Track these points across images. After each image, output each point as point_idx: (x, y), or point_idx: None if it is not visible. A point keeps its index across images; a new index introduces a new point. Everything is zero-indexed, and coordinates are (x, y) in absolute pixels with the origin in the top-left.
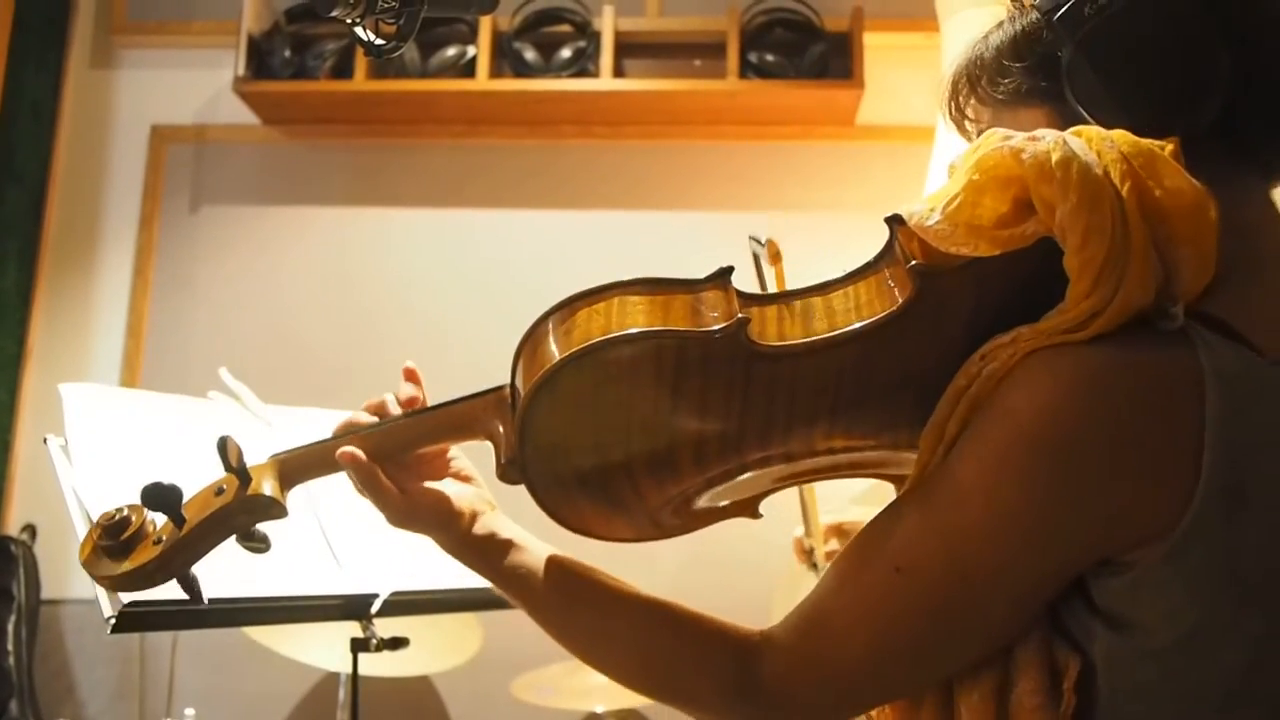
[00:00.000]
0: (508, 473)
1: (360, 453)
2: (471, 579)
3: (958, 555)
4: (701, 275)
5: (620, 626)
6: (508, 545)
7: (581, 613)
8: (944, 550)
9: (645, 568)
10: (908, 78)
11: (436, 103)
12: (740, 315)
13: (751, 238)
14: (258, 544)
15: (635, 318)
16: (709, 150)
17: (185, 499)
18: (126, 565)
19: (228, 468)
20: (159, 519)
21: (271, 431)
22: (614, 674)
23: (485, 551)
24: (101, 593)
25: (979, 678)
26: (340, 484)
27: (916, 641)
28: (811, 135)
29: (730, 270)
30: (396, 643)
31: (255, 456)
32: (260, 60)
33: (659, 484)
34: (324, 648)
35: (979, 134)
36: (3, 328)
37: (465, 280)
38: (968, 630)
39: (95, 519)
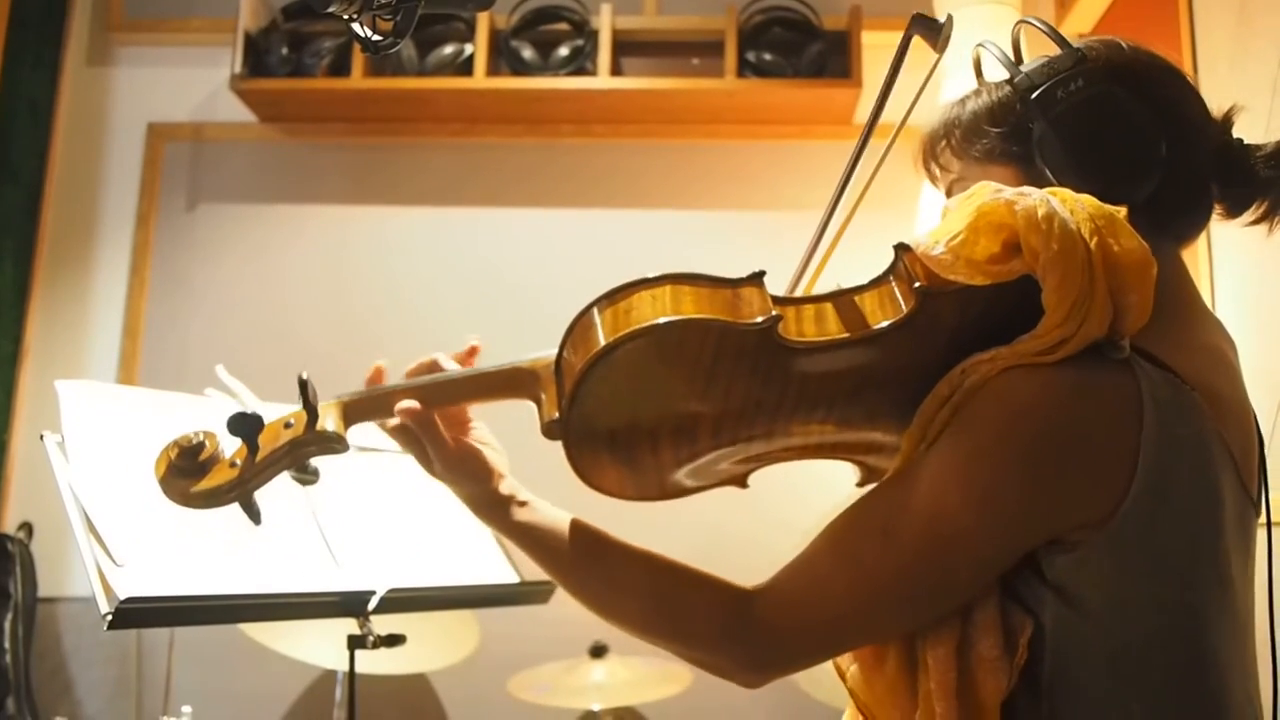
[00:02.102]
0: (552, 430)
1: (418, 404)
2: (468, 577)
3: (936, 529)
4: (703, 272)
5: (632, 575)
6: (527, 504)
7: (596, 563)
8: (924, 521)
9: None
10: (906, 77)
11: (434, 101)
12: (775, 312)
13: (918, 15)
14: (309, 476)
15: (687, 305)
16: (707, 149)
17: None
18: (204, 484)
19: (305, 404)
20: (228, 447)
21: None
22: (623, 618)
23: (510, 508)
24: (98, 589)
25: (942, 636)
26: (338, 482)
27: (891, 593)
28: (809, 134)
29: (763, 274)
30: (393, 640)
31: None
32: (257, 58)
33: (675, 449)
34: (321, 645)
35: (949, 183)
36: None
37: (462, 278)
38: (936, 588)
39: (173, 439)
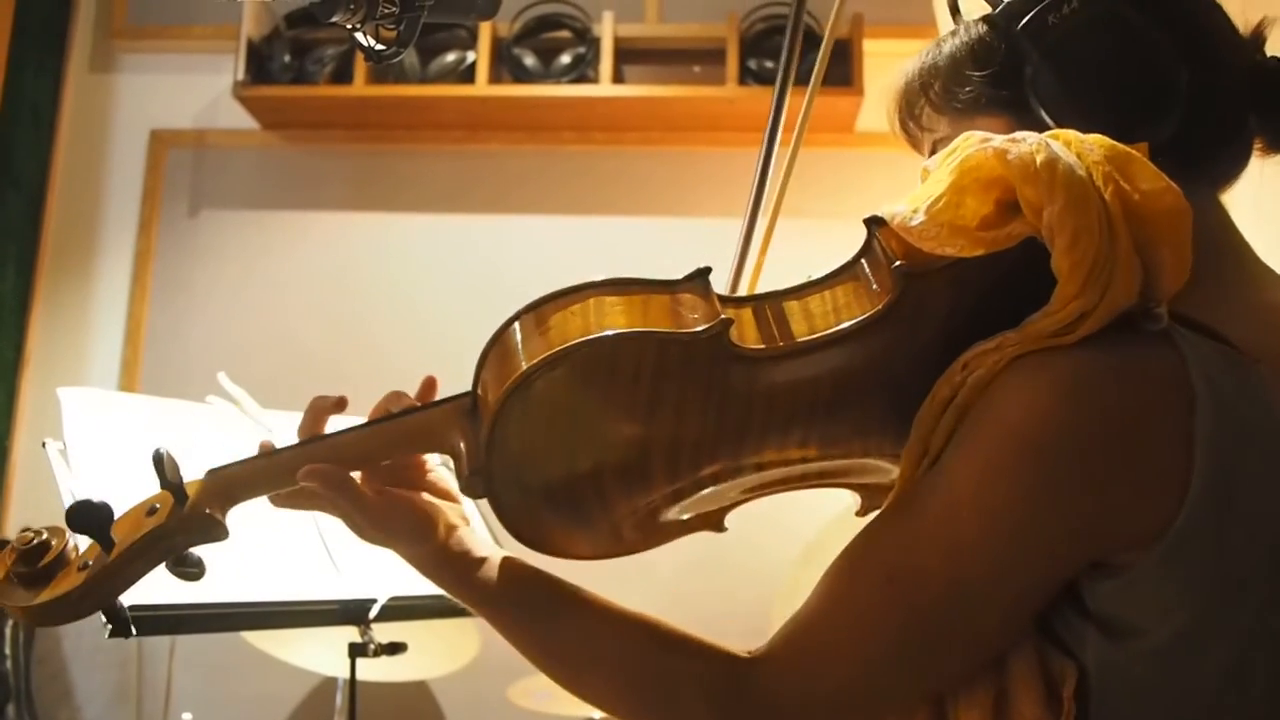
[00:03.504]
0: (471, 485)
1: (325, 466)
2: None
3: (951, 565)
4: (635, 276)
5: (606, 645)
6: (483, 563)
7: (564, 632)
8: (937, 560)
9: (642, 580)
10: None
11: (436, 108)
12: (723, 316)
13: None
14: (190, 569)
15: (614, 318)
16: (708, 156)
17: (115, 518)
18: (45, 595)
19: (164, 483)
20: (83, 542)
21: (270, 436)
22: (598, 697)
23: (460, 568)
24: None
25: (975, 695)
26: None
27: (908, 652)
28: (811, 142)
29: (708, 270)
30: (394, 648)
31: None
32: (260, 65)
33: (628, 495)
34: (322, 652)
35: (930, 144)
36: (1, 332)
37: (464, 285)
38: (960, 641)
39: (10, 542)
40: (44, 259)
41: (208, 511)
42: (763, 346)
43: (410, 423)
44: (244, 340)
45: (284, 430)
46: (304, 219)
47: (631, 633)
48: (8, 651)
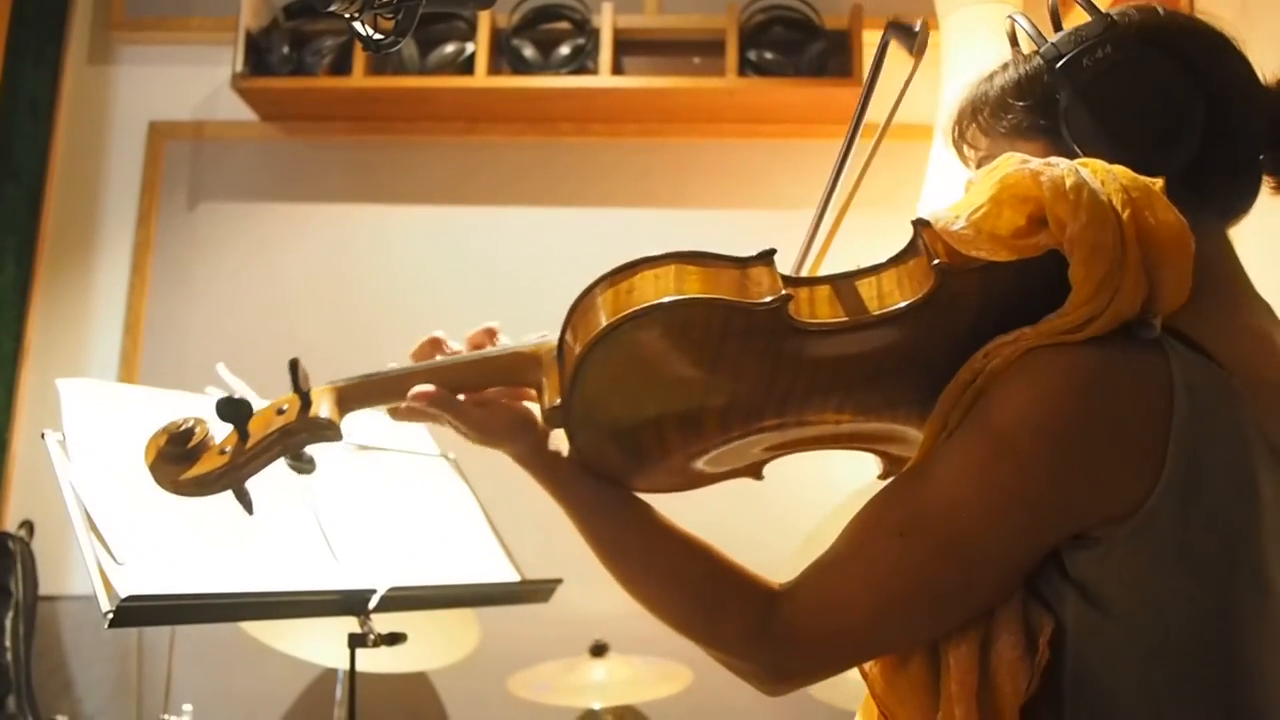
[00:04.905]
0: (551, 417)
1: (431, 386)
2: (469, 575)
3: (956, 527)
4: (711, 251)
5: (664, 559)
6: (571, 464)
7: (631, 539)
8: (944, 521)
9: None
10: (907, 76)
11: (435, 99)
12: (785, 292)
13: (893, 22)
14: (305, 465)
15: (692, 285)
16: (708, 148)
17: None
18: (193, 471)
19: (296, 388)
20: (219, 433)
21: None
22: (649, 602)
23: (554, 467)
24: (99, 588)
25: (965, 634)
26: (337, 478)
27: (913, 602)
28: (810, 133)
29: (774, 252)
30: (394, 638)
31: None
32: (258, 56)
33: (683, 440)
34: (321, 644)
35: (977, 160)
36: (0, 324)
37: (463, 277)
38: (959, 594)
39: (162, 426)
40: (43, 251)
41: (325, 415)
42: (816, 321)
43: (507, 357)
44: (243, 332)
45: None
46: (303, 211)
47: (684, 551)
48: (8, 644)
